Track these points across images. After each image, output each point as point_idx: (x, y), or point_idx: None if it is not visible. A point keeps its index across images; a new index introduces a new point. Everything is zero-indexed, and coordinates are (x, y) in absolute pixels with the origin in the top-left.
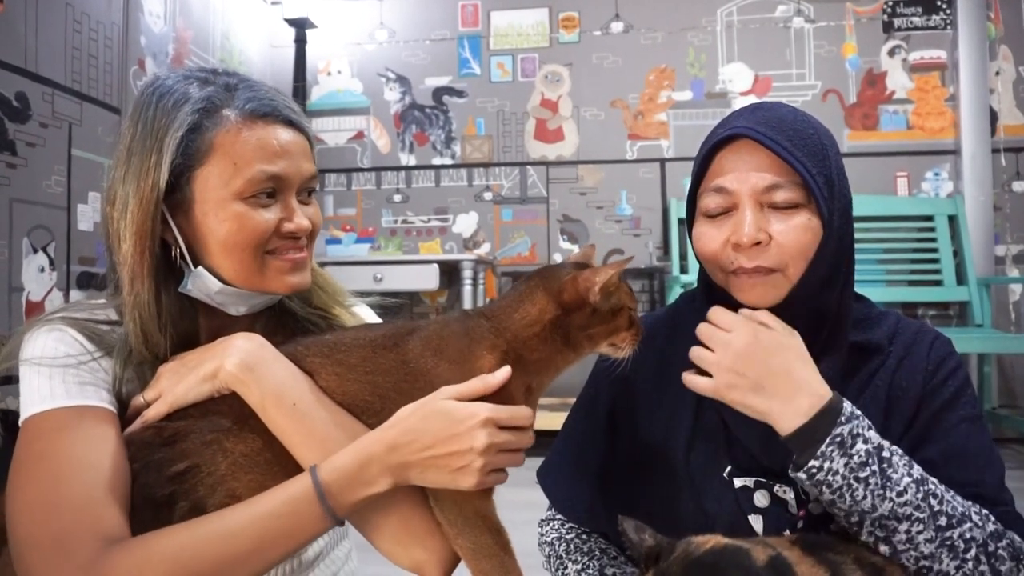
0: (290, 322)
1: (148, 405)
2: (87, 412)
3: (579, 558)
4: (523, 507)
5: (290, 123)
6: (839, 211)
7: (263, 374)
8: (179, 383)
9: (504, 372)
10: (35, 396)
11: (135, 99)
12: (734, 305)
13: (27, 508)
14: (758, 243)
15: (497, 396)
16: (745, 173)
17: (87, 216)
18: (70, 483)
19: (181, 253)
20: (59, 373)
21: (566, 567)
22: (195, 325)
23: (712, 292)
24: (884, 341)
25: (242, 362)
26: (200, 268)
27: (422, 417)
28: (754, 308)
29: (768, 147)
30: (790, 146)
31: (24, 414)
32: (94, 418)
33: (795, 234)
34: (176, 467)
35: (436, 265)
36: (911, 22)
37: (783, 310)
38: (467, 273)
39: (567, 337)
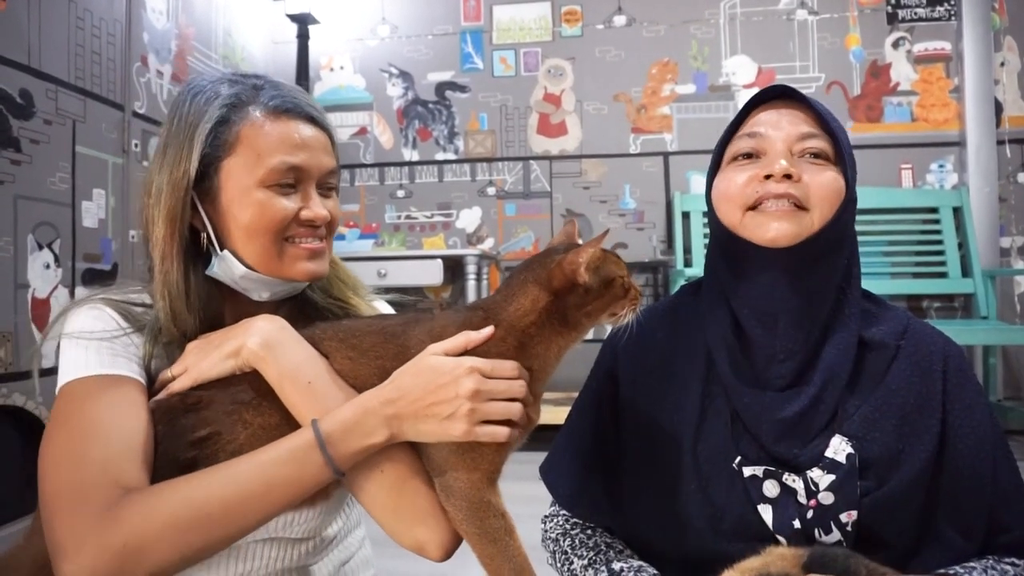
0: (311, 311)
1: (174, 379)
2: (116, 380)
3: (585, 553)
4: (527, 501)
5: (311, 119)
6: (854, 193)
7: (281, 353)
8: (204, 359)
9: (487, 330)
10: (71, 366)
11: (174, 99)
12: (751, 258)
13: (53, 463)
14: (789, 176)
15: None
16: (781, 120)
17: (92, 213)
18: (95, 441)
19: (209, 238)
20: (94, 346)
21: (572, 562)
22: (221, 310)
23: (730, 257)
24: (891, 339)
25: (263, 341)
26: (226, 252)
27: (413, 373)
28: (770, 246)
29: (809, 104)
30: (826, 113)
31: (60, 382)
32: (122, 386)
33: (825, 183)
34: (198, 432)
35: (440, 260)
36: (915, 13)
37: (795, 254)
38: (471, 268)
39: (565, 319)
